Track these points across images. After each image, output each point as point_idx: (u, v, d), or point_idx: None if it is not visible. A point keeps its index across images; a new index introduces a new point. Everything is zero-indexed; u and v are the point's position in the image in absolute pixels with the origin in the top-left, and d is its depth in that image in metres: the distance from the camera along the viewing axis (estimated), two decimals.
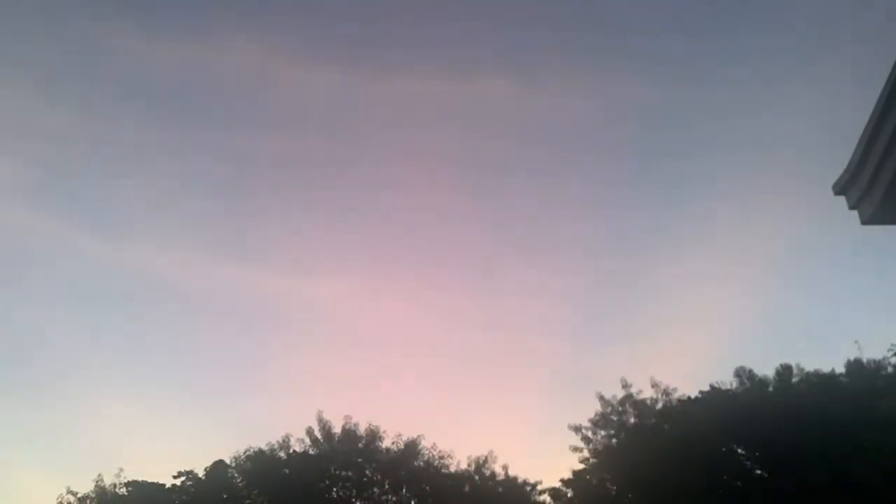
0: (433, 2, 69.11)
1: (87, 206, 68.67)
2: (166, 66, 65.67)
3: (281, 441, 39.84)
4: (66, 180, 67.84)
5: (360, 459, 39.30)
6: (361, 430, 39.85)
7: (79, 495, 38.45)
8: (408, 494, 39.53)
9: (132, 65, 66.09)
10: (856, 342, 38.16)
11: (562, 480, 38.71)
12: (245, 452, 39.64)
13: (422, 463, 39.69)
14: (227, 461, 40.14)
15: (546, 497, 40.09)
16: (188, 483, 40.12)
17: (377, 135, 71.58)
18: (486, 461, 40.30)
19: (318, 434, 39.64)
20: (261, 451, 39.57)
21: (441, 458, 39.89)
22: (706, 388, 36.79)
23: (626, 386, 37.15)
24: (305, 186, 71.33)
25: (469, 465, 40.35)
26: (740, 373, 36.60)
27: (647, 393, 37.18)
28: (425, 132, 71.08)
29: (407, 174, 71.14)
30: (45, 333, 65.59)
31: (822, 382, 34.84)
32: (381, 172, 74.25)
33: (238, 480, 39.76)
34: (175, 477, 40.31)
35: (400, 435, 39.90)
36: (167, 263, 67.14)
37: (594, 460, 37.39)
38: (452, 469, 40.05)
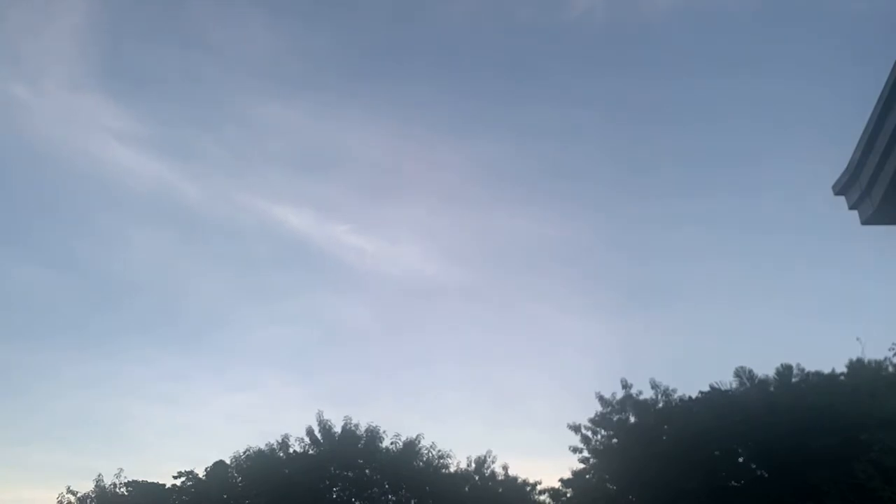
0: None
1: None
2: None
3: (281, 441, 39.88)
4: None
5: (360, 460, 39.23)
6: (362, 430, 39.85)
7: (79, 495, 38.52)
8: (407, 495, 39.45)
9: None
10: (858, 339, 38.13)
11: (561, 480, 38.70)
12: (245, 453, 39.68)
13: (421, 463, 39.64)
14: (227, 461, 40.15)
15: (546, 497, 40.06)
16: (188, 483, 40.12)
17: None
18: (485, 461, 40.32)
19: (318, 434, 39.62)
20: (261, 452, 39.55)
21: (441, 458, 39.91)
22: (706, 388, 36.78)
23: (626, 386, 37.13)
24: None
25: (469, 466, 40.38)
26: (740, 373, 36.51)
27: (647, 393, 37.16)
28: None
29: None
30: None
31: (822, 382, 34.74)
32: None
33: (238, 481, 39.72)
34: (175, 477, 40.38)
35: (399, 435, 39.95)
36: None
37: (594, 460, 37.34)
38: (452, 469, 40.06)
